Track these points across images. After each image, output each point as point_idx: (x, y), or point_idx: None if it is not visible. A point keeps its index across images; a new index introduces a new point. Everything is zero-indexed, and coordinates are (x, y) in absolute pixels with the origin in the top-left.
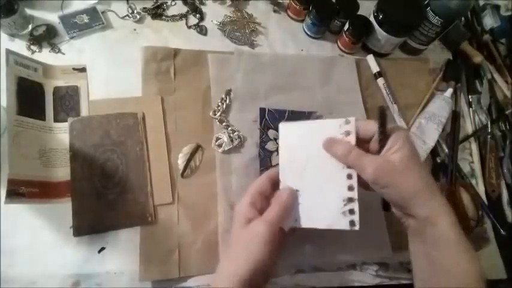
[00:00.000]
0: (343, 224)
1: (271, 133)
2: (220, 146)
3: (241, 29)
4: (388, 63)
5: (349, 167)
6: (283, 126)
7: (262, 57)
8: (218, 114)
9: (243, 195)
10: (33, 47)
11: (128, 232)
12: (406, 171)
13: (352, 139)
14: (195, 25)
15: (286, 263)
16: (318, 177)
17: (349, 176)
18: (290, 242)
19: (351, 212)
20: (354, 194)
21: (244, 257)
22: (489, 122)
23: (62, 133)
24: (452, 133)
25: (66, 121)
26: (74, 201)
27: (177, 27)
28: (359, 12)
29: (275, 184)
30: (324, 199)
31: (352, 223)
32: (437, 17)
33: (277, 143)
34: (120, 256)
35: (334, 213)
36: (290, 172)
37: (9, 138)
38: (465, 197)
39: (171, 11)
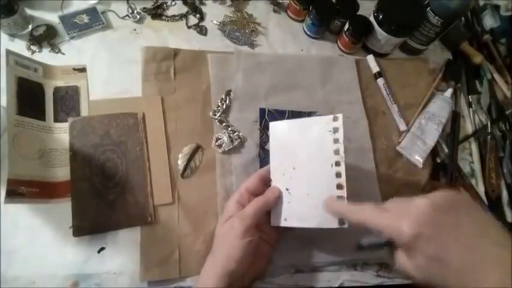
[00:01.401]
0: (332, 222)
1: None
2: (220, 146)
3: (241, 29)
4: (388, 63)
5: (337, 165)
6: (273, 125)
7: (262, 57)
8: (218, 114)
9: (233, 194)
10: (33, 47)
11: (128, 232)
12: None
13: (340, 136)
14: (195, 25)
15: (285, 262)
16: (307, 176)
17: (338, 175)
18: (288, 241)
19: None
20: (343, 192)
21: (220, 252)
22: (489, 122)
23: (62, 133)
24: (452, 133)
25: (66, 121)
26: (73, 201)
27: (177, 27)
28: (359, 12)
29: (267, 182)
30: (314, 198)
31: (341, 221)
32: (437, 17)
33: None
34: (119, 256)
35: (323, 212)
36: (280, 171)
37: (9, 138)
38: None
39: (171, 11)
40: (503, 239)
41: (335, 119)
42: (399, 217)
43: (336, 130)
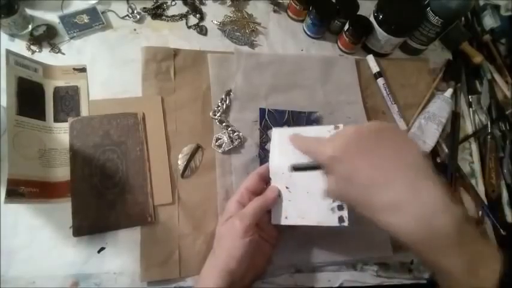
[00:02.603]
0: (332, 220)
1: (271, 133)
2: (220, 146)
3: (241, 29)
4: (388, 63)
5: None
6: (276, 131)
7: (262, 57)
8: (218, 114)
9: (234, 194)
10: (33, 47)
11: (128, 232)
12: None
13: None
14: (195, 25)
15: (285, 262)
16: (307, 176)
17: None
18: (289, 241)
19: (340, 208)
20: None
21: (221, 251)
22: (489, 122)
23: (62, 133)
24: (452, 133)
25: (66, 121)
26: (73, 201)
27: (177, 27)
28: (359, 12)
29: (267, 180)
30: (313, 196)
31: (341, 219)
32: (437, 17)
33: None
34: (119, 256)
35: (323, 210)
36: (280, 170)
37: (9, 138)
38: (465, 197)
39: (171, 11)
40: (416, 162)
41: (336, 128)
42: (326, 143)
43: None
